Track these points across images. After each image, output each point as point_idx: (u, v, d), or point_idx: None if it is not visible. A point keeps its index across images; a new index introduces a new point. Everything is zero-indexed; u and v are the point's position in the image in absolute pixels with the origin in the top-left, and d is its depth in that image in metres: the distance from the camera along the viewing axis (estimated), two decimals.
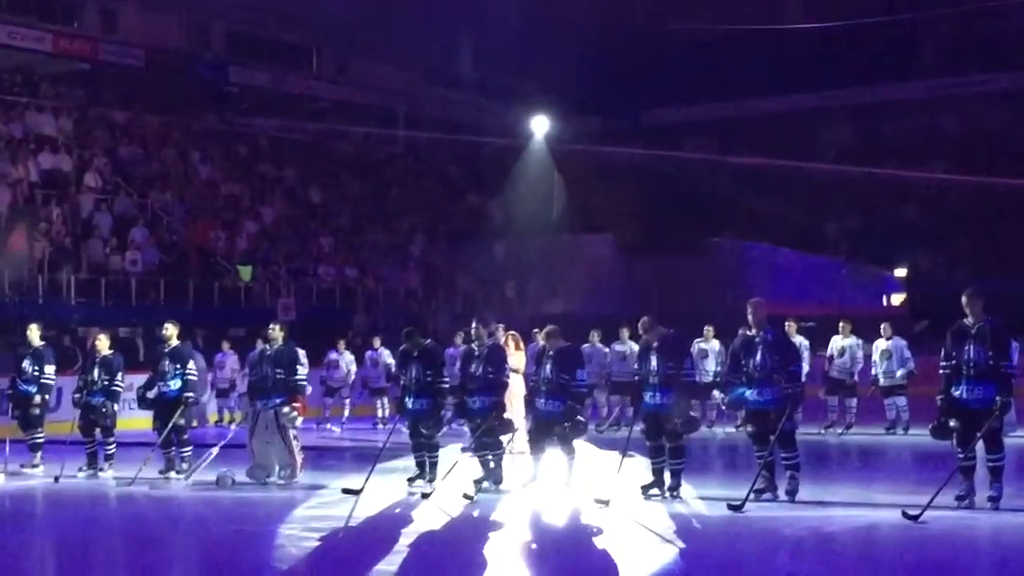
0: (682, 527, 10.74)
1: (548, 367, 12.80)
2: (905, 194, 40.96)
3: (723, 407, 17.43)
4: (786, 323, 17.37)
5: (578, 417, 12.93)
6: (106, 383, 15.13)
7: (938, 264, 37.49)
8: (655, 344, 12.41)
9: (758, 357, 11.85)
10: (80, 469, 15.16)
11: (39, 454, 15.62)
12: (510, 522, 11.54)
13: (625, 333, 20.40)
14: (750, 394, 11.93)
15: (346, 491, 12.85)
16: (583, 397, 13.42)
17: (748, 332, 12.10)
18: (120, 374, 15.27)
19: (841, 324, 20.02)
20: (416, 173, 42.21)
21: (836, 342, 19.82)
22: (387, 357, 22.18)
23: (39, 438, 15.70)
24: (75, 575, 9.90)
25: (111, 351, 15.44)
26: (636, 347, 19.97)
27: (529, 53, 38.34)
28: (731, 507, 11.26)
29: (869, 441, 18.88)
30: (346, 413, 23.15)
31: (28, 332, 15.98)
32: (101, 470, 15.11)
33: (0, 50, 34.71)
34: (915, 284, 37.78)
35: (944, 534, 10.13)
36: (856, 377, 19.83)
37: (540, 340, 14.09)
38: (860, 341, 19.91)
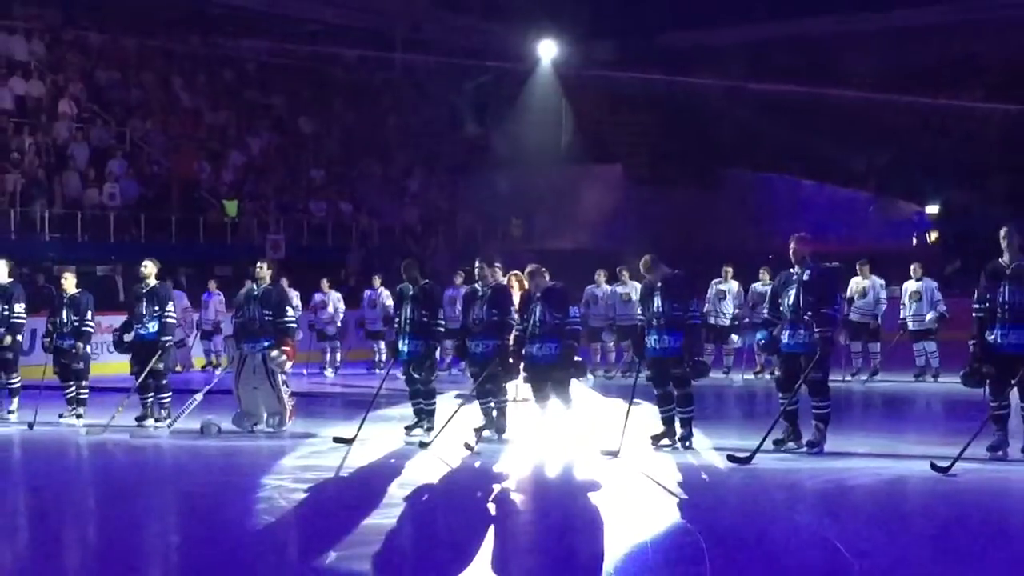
0: (694, 480, 10.77)
1: (538, 309, 12.67)
2: (939, 125, 40.72)
3: (757, 349, 17.45)
4: None
5: (576, 358, 12.90)
6: (76, 324, 15.14)
7: (973, 201, 37.35)
8: (659, 285, 12.34)
9: (792, 296, 11.79)
10: (60, 415, 15.24)
11: (16, 400, 15.65)
12: (513, 474, 11.56)
13: (626, 274, 20.32)
14: (786, 338, 11.85)
15: (337, 440, 12.89)
16: (579, 335, 13.30)
17: (791, 269, 12.01)
18: (90, 313, 15.26)
19: (859, 264, 19.96)
20: (414, 101, 41.99)
21: (856, 283, 19.77)
22: (387, 298, 22.13)
23: (15, 382, 15.72)
24: (50, 529, 9.90)
25: (79, 290, 15.44)
26: (640, 287, 20.11)
27: None
28: (733, 459, 11.22)
29: (896, 389, 18.91)
30: (338, 357, 23.23)
31: None
32: (79, 416, 15.15)
33: None
34: (948, 222, 37.73)
35: (975, 487, 10.14)
36: (880, 320, 19.84)
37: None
38: (882, 281, 19.90)
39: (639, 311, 12.78)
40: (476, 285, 13.61)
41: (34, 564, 8.64)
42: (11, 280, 16.02)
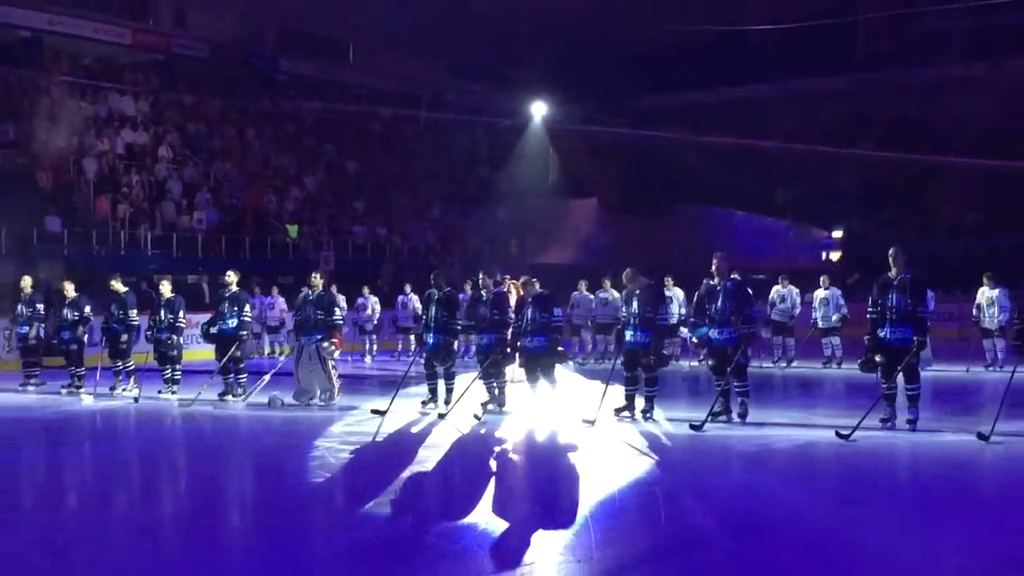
0: (654, 443, 10.74)
1: (530, 311, 12.67)
2: (841, 168, 40.76)
3: (691, 344, 17.38)
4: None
5: (559, 349, 12.89)
6: (171, 321, 15.19)
7: (868, 227, 37.37)
8: (637, 291, 12.35)
9: (719, 303, 11.77)
10: (159, 392, 15.27)
11: (133, 379, 15.69)
12: (511, 438, 11.52)
13: (608, 283, 20.31)
14: (712, 333, 11.88)
15: (374, 412, 12.86)
16: (561, 330, 13.32)
17: (711, 281, 12.03)
18: (182, 312, 15.32)
19: (780, 277, 20.00)
20: (435, 148, 42.07)
21: (775, 291, 19.80)
22: (415, 301, 22.13)
23: (130, 366, 15.85)
24: (153, 480, 9.91)
25: (173, 294, 15.48)
26: (617, 294, 20.01)
27: (531, 48, 38.07)
28: (692, 427, 11.27)
29: (809, 373, 18.89)
30: (374, 348, 23.27)
31: (112, 282, 16.04)
32: (173, 392, 15.17)
33: (88, 43, 34.64)
34: (849, 243, 37.72)
35: (870, 450, 10.11)
36: (794, 321, 19.85)
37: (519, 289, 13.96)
38: (797, 290, 19.91)
39: (622, 311, 12.77)
40: (481, 291, 13.65)
41: (140, 503, 8.64)
42: (126, 290, 16.16)
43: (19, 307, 16.74)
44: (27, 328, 16.58)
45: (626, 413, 12.22)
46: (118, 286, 15.97)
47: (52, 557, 6.90)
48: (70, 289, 16.31)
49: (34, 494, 9.36)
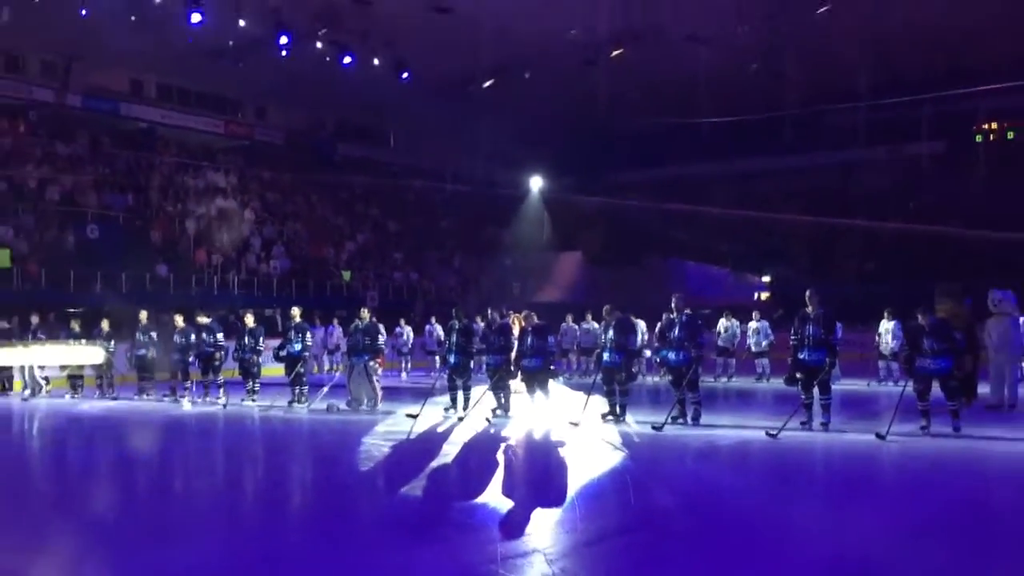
0: (626, 440, 10.74)
1: (529, 338, 12.75)
2: (770, 229, 40.84)
3: (654, 364, 17.41)
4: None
5: (551, 367, 12.95)
6: (252, 345, 15.23)
7: (790, 273, 37.39)
8: (613, 323, 12.42)
9: (676, 332, 11.84)
10: (242, 400, 15.26)
11: (223, 390, 15.69)
12: (514, 436, 11.54)
13: (589, 316, 20.35)
14: (671, 355, 11.94)
15: (408, 415, 12.88)
16: (554, 354, 13.42)
17: (670, 315, 12.10)
18: (261, 339, 15.36)
19: (724, 312, 20.06)
20: (457, 211, 42.28)
21: (722, 323, 19.84)
22: (439, 330, 22.16)
23: (220, 380, 15.81)
24: (238, 466, 9.94)
25: (255, 324, 15.52)
26: (596, 325, 20.06)
27: (530, 136, 38.36)
28: (655, 428, 11.28)
29: (745, 387, 18.85)
30: (408, 366, 23.25)
31: (198, 317, 16.13)
32: (254, 400, 15.18)
33: (190, 132, 35.03)
34: (776, 286, 37.74)
35: (793, 446, 10.12)
36: (735, 346, 19.87)
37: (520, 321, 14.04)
38: (738, 322, 19.93)
39: (600, 338, 12.85)
40: (492, 324, 13.72)
41: (229, 483, 8.68)
42: (210, 319, 16.24)
43: (137, 334, 16.83)
44: (144, 351, 16.66)
45: (611, 417, 12.25)
46: (203, 319, 16.04)
47: (169, 518, 6.95)
48: (179, 320, 16.39)
49: (149, 474, 9.39)
